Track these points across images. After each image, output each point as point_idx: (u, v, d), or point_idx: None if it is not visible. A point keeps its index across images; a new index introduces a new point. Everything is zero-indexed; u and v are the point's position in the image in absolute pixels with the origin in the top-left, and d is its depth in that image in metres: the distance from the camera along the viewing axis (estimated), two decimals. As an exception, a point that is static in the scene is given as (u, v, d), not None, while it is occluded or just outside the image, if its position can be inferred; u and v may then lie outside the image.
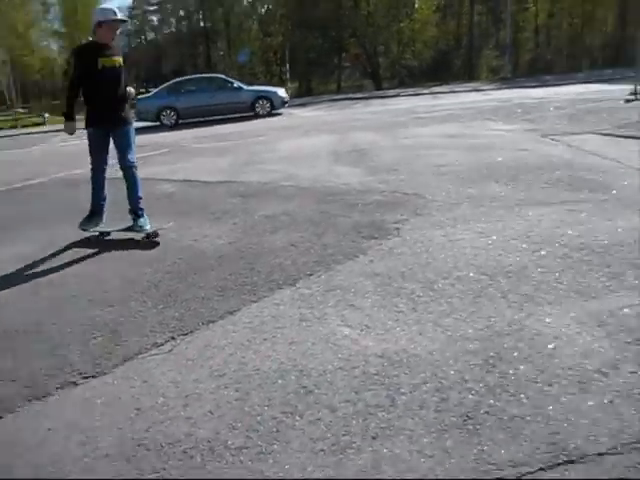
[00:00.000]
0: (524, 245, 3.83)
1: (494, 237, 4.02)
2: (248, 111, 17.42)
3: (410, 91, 24.57)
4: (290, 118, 16.88)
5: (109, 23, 4.60)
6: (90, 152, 4.71)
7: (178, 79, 19.38)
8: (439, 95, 22.19)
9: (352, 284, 3.42)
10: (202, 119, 17.46)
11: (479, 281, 3.29)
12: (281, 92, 18.16)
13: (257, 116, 17.32)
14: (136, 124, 16.25)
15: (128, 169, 4.70)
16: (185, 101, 17.29)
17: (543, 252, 3.69)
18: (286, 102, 18.19)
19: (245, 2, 45.05)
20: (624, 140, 8.15)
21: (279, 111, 17.80)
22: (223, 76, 18.85)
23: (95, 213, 4.86)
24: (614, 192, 5.21)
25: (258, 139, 11.72)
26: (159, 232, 4.79)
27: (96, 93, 4.56)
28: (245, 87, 17.92)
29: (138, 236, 4.82)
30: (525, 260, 3.56)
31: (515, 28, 38.91)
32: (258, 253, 4.17)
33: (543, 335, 2.65)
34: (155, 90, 18.52)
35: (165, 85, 18.56)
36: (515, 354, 2.52)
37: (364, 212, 4.96)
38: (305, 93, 32.58)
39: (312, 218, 4.97)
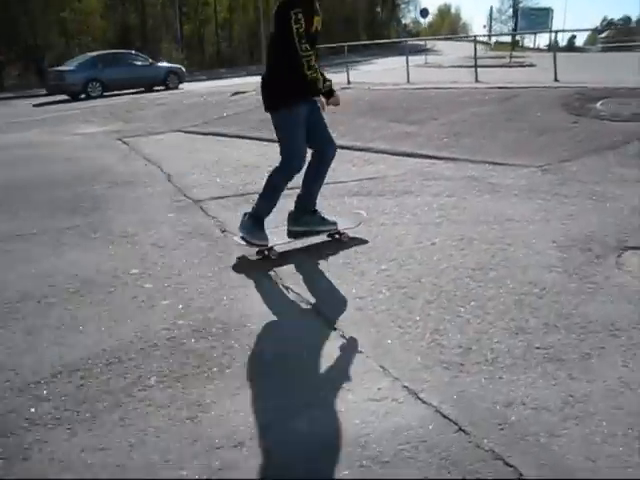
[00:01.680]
0: None
1: None
2: (161, 84, 18.82)
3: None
4: None
5: None
6: (292, 141, 3.26)
7: (99, 52, 20.32)
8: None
9: None
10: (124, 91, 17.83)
11: None
12: (183, 68, 20.64)
13: (168, 88, 18.50)
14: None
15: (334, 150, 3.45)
16: (110, 74, 17.72)
17: None
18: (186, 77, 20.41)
19: None
20: (201, 137, 7.59)
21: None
22: (136, 52, 20.45)
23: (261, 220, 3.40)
24: (102, 214, 4.33)
25: None
26: None
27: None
28: (157, 63, 19.69)
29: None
30: None
31: (199, 23, 38.45)
32: None
33: None
34: (74, 63, 18.66)
35: (86, 59, 18.80)
36: None
37: None
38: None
39: None
